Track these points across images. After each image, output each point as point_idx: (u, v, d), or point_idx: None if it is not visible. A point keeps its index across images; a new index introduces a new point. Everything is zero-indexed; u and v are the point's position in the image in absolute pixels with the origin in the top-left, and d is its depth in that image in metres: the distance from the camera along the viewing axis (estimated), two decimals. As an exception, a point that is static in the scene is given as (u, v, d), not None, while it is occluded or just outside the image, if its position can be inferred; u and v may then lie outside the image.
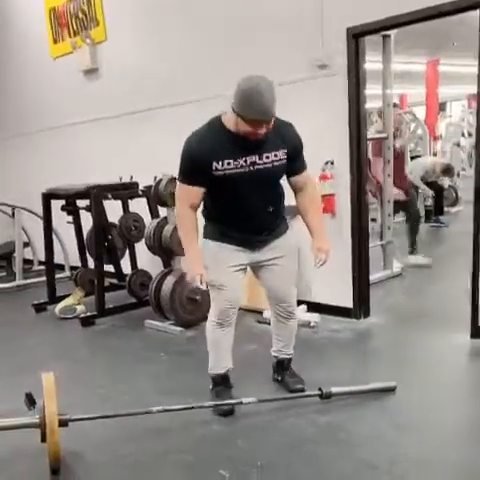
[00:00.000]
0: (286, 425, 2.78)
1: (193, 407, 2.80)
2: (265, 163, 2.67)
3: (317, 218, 2.91)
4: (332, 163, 4.19)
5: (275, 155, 2.68)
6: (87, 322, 4.68)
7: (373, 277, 4.64)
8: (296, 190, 2.88)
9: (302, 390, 3.02)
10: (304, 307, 4.43)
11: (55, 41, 6.38)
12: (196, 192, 2.71)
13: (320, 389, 2.89)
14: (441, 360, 3.57)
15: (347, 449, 2.54)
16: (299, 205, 2.91)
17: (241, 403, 2.83)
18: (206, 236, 2.86)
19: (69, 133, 6.48)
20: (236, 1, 4.59)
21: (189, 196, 2.71)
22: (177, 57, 5.16)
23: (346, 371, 3.39)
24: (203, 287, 2.75)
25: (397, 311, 4.58)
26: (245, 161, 2.63)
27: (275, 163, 2.69)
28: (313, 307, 4.37)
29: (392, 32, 4.94)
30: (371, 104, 4.42)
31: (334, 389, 2.90)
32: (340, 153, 4.13)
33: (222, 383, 3.03)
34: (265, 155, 2.65)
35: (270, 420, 2.83)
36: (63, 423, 2.50)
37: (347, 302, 4.30)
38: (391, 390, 3.01)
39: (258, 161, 2.65)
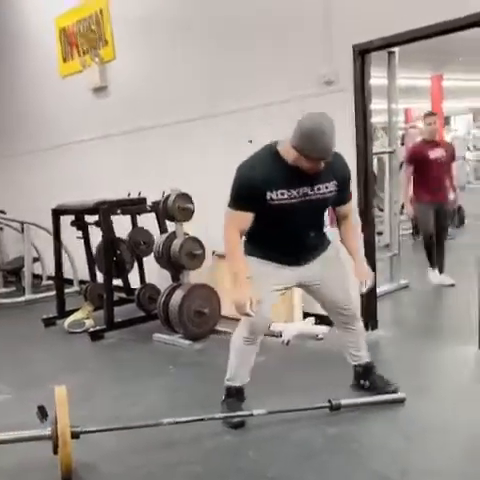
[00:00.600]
0: (297, 436, 2.79)
1: (203, 419, 2.82)
2: (316, 194, 2.73)
3: (357, 246, 3.03)
4: (339, 177, 4.23)
5: (326, 187, 2.75)
6: (96, 336, 4.71)
7: (380, 290, 4.66)
8: (339, 218, 2.98)
9: (396, 391, 3.09)
10: (312, 319, 4.46)
11: (64, 60, 6.49)
12: (246, 217, 2.74)
13: (329, 401, 2.91)
14: (450, 372, 3.59)
15: (358, 460, 2.56)
16: (341, 232, 3.00)
17: (252, 415, 2.85)
18: (247, 252, 2.87)
19: (78, 150, 6.56)
20: (243, 18, 4.67)
21: (239, 221, 2.75)
22: (184, 74, 5.24)
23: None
24: (253, 314, 2.70)
25: (405, 323, 4.61)
26: (298, 192, 2.69)
27: (326, 195, 2.76)
28: (321, 319, 4.38)
29: (397, 48, 5.01)
30: (375, 119, 4.48)
31: (343, 401, 2.92)
32: (347, 167, 4.17)
33: (236, 395, 3.04)
34: (317, 187, 2.72)
35: (281, 431, 2.84)
36: (75, 435, 2.53)
37: (355, 315, 4.31)
38: (400, 402, 3.02)
39: (310, 192, 2.71)
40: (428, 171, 5.24)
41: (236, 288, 2.73)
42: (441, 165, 5.26)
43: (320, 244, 2.95)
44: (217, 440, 2.82)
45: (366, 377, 3.20)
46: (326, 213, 2.99)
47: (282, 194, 2.67)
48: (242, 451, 2.69)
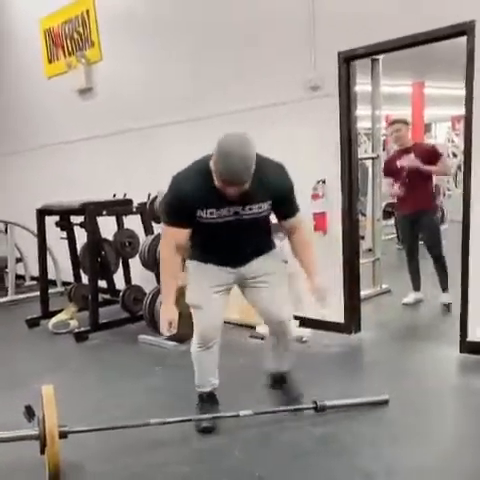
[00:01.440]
0: (283, 437, 2.83)
1: (191, 419, 2.86)
2: (248, 214, 2.65)
3: (311, 260, 2.85)
4: (324, 182, 4.29)
5: (259, 207, 2.66)
6: (81, 337, 4.71)
7: (363, 293, 4.72)
8: (288, 233, 2.86)
9: (299, 399, 3.08)
10: (296, 322, 4.50)
11: (50, 61, 6.48)
12: (181, 233, 2.70)
13: (315, 402, 2.95)
14: (432, 374, 3.65)
15: (344, 460, 2.60)
16: (291, 248, 2.88)
17: (238, 416, 2.87)
18: (188, 257, 2.88)
19: (63, 151, 6.55)
20: (230, 22, 4.72)
21: (174, 238, 2.70)
22: (172, 76, 5.27)
23: (339, 385, 3.45)
24: (169, 333, 2.78)
25: (388, 326, 4.68)
26: (228, 211, 2.62)
27: (259, 214, 2.68)
28: (305, 322, 4.43)
29: (381, 55, 5.10)
30: (358, 124, 4.52)
31: (328, 402, 2.96)
32: (332, 172, 4.24)
33: (208, 400, 3.04)
34: (248, 207, 2.63)
35: (267, 432, 2.87)
36: (63, 435, 2.53)
37: (339, 317, 4.38)
38: (384, 403, 3.07)
39: (241, 212, 2.64)
40: (400, 180, 4.88)
41: (163, 306, 2.81)
42: (412, 172, 4.80)
43: (261, 249, 2.88)
44: (204, 441, 2.84)
45: (279, 385, 3.21)
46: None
47: (211, 213, 2.61)
48: (229, 451, 2.72)
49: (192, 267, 2.88)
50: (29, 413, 2.62)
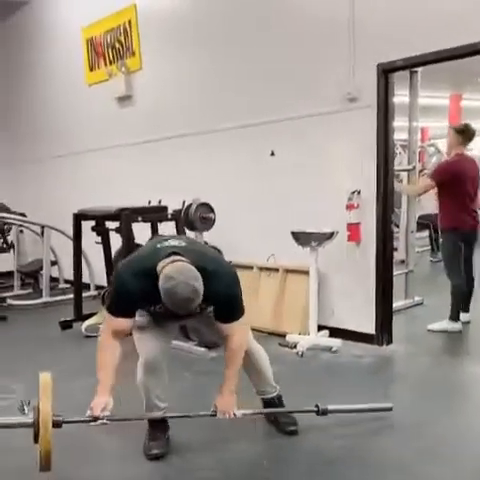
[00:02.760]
0: (309, 446, 2.82)
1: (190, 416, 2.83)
2: (193, 313, 2.54)
3: (231, 375, 2.71)
4: (359, 193, 4.29)
5: (201, 308, 2.58)
6: (112, 340, 4.75)
7: (395, 305, 4.69)
8: (222, 336, 2.70)
9: (295, 432, 2.91)
10: (326, 332, 4.49)
11: (91, 69, 6.62)
12: (126, 323, 2.61)
13: (317, 405, 2.89)
14: (462, 389, 3.60)
15: (370, 474, 2.57)
16: (224, 353, 2.75)
17: (235, 415, 2.73)
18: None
19: (101, 157, 6.67)
20: (269, 33, 4.76)
21: (118, 328, 2.60)
22: (209, 87, 5.34)
23: (367, 396, 3.41)
24: (100, 422, 2.58)
25: (419, 339, 4.62)
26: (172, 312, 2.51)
27: (204, 312, 2.65)
28: (335, 332, 4.42)
29: (420, 68, 5.07)
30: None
31: (330, 406, 2.89)
32: (367, 183, 4.24)
33: (157, 424, 2.91)
34: (191, 316, 2.62)
35: (294, 440, 2.87)
36: (57, 424, 2.44)
37: (370, 328, 4.35)
38: (388, 410, 3.02)
39: (184, 317, 2.65)
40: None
41: (96, 395, 2.62)
42: None
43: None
44: (227, 449, 2.83)
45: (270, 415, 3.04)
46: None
47: (160, 308, 2.56)
48: (254, 459, 2.73)
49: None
50: (24, 401, 2.58)
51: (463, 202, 4.63)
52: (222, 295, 2.56)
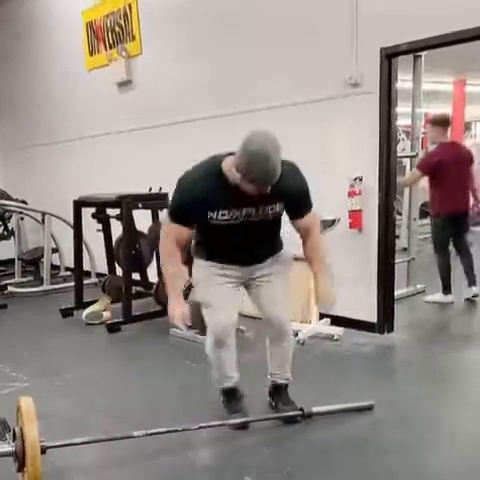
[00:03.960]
0: (310, 436, 2.81)
1: (177, 430, 2.71)
2: (260, 215, 2.62)
3: (320, 265, 2.80)
4: (361, 179, 4.25)
5: (271, 208, 2.63)
6: (113, 328, 4.76)
7: (397, 293, 4.66)
8: (300, 232, 2.78)
9: (297, 421, 2.92)
10: (327, 320, 4.47)
11: (91, 53, 6.55)
12: (184, 232, 2.67)
13: (301, 409, 2.88)
14: (466, 377, 3.60)
15: (373, 461, 2.57)
16: (304, 248, 2.81)
17: (223, 425, 2.81)
18: (195, 255, 2.86)
19: (101, 143, 6.62)
20: (271, 17, 4.68)
21: (177, 235, 2.66)
22: (209, 72, 5.27)
23: (369, 385, 3.42)
24: (183, 328, 2.77)
25: (421, 327, 4.62)
26: (240, 213, 2.59)
27: (271, 215, 2.66)
28: (337, 320, 4.40)
29: (424, 52, 5.01)
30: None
31: (315, 409, 2.89)
32: (369, 170, 4.19)
33: (232, 395, 3.01)
34: (261, 208, 2.61)
35: (296, 430, 2.86)
36: (42, 450, 2.32)
37: (371, 317, 4.33)
38: (368, 409, 3.00)
39: (254, 214, 2.61)
40: None
41: (171, 300, 2.73)
42: None
43: (270, 251, 2.84)
44: (233, 438, 2.83)
45: (275, 397, 3.07)
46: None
47: (223, 215, 2.58)
48: (258, 449, 2.72)
49: (200, 265, 2.84)
50: (4, 428, 2.48)
51: (451, 188, 4.96)
52: (297, 186, 2.63)
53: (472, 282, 5.22)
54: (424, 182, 5.46)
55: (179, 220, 2.64)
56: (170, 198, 2.71)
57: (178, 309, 2.70)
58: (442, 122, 5.16)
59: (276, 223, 2.78)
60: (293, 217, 2.73)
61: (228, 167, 2.50)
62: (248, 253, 2.77)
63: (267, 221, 2.68)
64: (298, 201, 2.68)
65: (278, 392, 3.05)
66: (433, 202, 5.15)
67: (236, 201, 2.55)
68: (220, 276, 2.78)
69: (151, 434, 2.63)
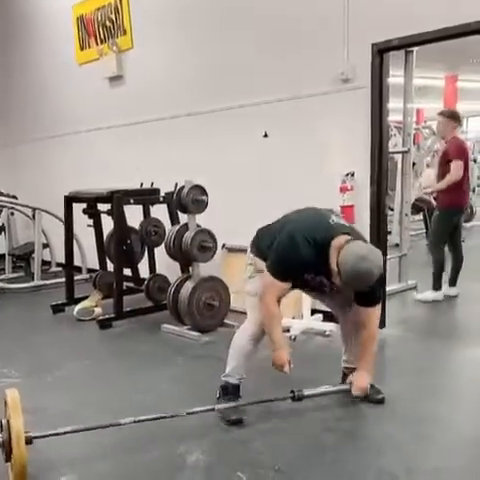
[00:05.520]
0: (305, 431, 2.82)
1: (165, 417, 2.72)
2: (330, 291, 2.87)
3: (368, 358, 2.93)
4: (353, 175, 4.24)
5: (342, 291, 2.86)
6: (105, 324, 4.74)
7: (389, 288, 4.67)
8: (359, 321, 2.91)
9: (382, 401, 3.04)
10: (320, 316, 4.48)
11: (82, 48, 6.50)
12: (286, 288, 2.80)
13: (292, 391, 2.87)
14: (456, 373, 3.61)
15: (365, 456, 2.58)
16: (360, 337, 2.94)
17: (213, 410, 2.82)
18: (257, 252, 3.00)
19: (92, 138, 6.59)
20: (263, 13, 4.67)
21: (280, 290, 2.78)
22: (202, 67, 5.25)
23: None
24: (288, 372, 2.84)
25: (412, 323, 4.64)
26: (320, 282, 2.82)
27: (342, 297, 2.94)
28: (329, 316, 4.39)
29: (415, 47, 5.00)
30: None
31: (306, 391, 2.88)
32: (361, 165, 4.19)
33: (233, 393, 3.02)
34: (334, 289, 2.83)
35: (289, 425, 2.87)
36: (28, 441, 2.39)
37: (363, 313, 4.32)
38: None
39: (328, 287, 2.84)
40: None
41: (276, 351, 2.83)
42: None
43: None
44: (224, 432, 2.84)
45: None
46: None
47: (312, 278, 2.79)
48: (250, 444, 2.71)
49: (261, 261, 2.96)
50: None
51: (464, 182, 4.99)
52: (374, 284, 2.65)
53: (453, 283, 5.24)
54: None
55: (284, 277, 2.75)
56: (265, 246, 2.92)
57: (284, 358, 2.82)
58: (455, 116, 5.12)
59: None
60: (357, 302, 2.87)
61: (333, 254, 2.61)
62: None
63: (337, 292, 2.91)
64: (368, 293, 2.78)
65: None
66: (445, 194, 5.02)
67: (325, 273, 2.72)
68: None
69: (139, 421, 2.63)
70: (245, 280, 3.08)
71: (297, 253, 2.66)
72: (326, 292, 2.91)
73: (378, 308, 2.90)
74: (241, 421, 2.89)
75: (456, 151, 4.94)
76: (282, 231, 2.78)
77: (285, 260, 2.73)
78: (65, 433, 2.54)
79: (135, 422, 2.63)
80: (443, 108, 5.15)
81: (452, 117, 5.08)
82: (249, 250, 3.07)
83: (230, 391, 3.02)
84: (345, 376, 3.17)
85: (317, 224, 2.75)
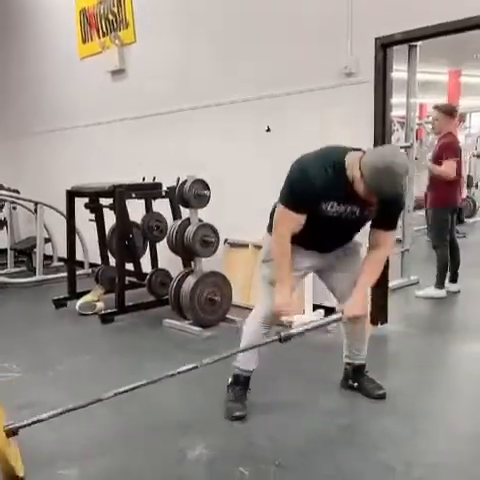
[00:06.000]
0: (306, 426, 2.81)
1: (147, 383, 2.69)
2: (364, 215, 2.68)
3: (367, 282, 2.83)
4: (356, 169, 4.22)
5: (370, 211, 2.68)
6: (106, 319, 4.74)
7: (391, 284, 4.66)
8: (370, 244, 2.81)
9: (383, 396, 3.02)
10: (321, 312, 4.47)
11: (84, 41, 6.49)
12: (300, 219, 2.66)
13: (278, 333, 2.74)
14: (458, 368, 3.61)
15: (365, 450, 2.57)
16: (366, 258, 2.84)
17: (172, 375, 2.73)
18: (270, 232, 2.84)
19: (94, 132, 6.58)
20: (266, 6, 4.65)
21: (293, 222, 2.67)
22: (205, 60, 5.24)
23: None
24: (284, 318, 2.77)
25: (415, 319, 4.63)
26: (346, 209, 2.63)
27: (369, 217, 2.72)
28: (331, 312, 4.38)
29: (419, 42, 4.98)
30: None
31: (293, 330, 2.77)
32: (364, 160, 4.16)
33: (243, 384, 3.00)
34: (368, 209, 2.65)
35: (290, 420, 2.86)
36: (11, 433, 2.39)
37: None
38: (338, 320, 2.87)
39: (358, 213, 2.66)
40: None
41: (278, 288, 2.72)
42: None
43: (347, 242, 2.91)
44: (225, 427, 2.84)
45: (355, 378, 3.15)
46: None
47: (331, 207, 2.61)
48: (251, 438, 2.71)
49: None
50: None
51: (458, 179, 5.01)
52: (398, 204, 2.70)
53: (454, 279, 5.23)
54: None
55: (296, 207, 2.63)
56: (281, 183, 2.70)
57: (284, 300, 2.71)
58: (451, 112, 5.06)
59: (363, 226, 2.82)
60: (376, 226, 2.75)
61: (351, 165, 2.53)
62: (331, 242, 2.84)
63: (361, 222, 2.75)
64: (390, 215, 2.74)
65: (359, 372, 3.14)
66: (442, 192, 5.01)
67: (348, 198, 2.58)
68: (295, 261, 2.77)
69: (119, 393, 2.58)
70: (260, 264, 2.98)
71: (311, 181, 2.55)
72: (353, 221, 2.70)
73: (393, 235, 2.82)
74: (244, 417, 2.88)
75: (446, 151, 4.91)
76: (292, 164, 2.67)
77: (299, 191, 2.62)
78: (47, 419, 2.48)
79: (115, 395, 2.57)
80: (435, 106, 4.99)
81: (447, 112, 5.00)
82: (266, 231, 2.95)
83: (241, 381, 2.99)
84: (347, 372, 3.17)
85: (328, 150, 2.67)
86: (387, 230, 2.76)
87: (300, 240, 2.74)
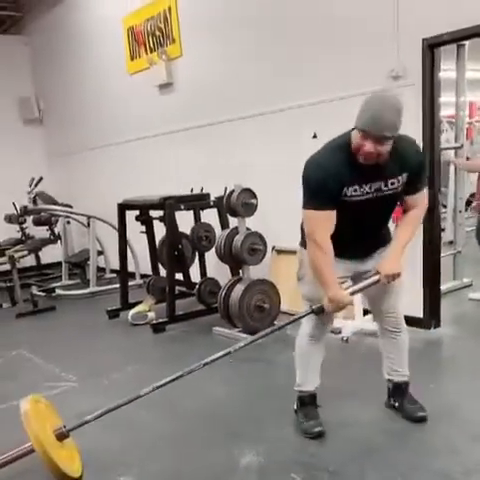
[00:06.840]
0: (357, 433, 2.78)
1: (183, 375, 2.81)
2: (390, 189, 2.55)
3: (405, 240, 2.68)
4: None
5: (398, 180, 2.54)
6: (158, 328, 4.82)
7: (443, 287, 4.56)
8: (406, 207, 2.69)
9: (425, 419, 2.83)
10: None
11: (132, 58, 6.64)
12: (332, 215, 2.51)
13: (310, 306, 2.69)
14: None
15: (421, 458, 2.53)
16: (402, 218, 2.72)
17: (229, 353, 2.81)
18: (305, 246, 2.69)
19: (143, 146, 6.71)
20: (311, 13, 4.64)
21: (326, 222, 2.51)
22: (249, 72, 5.26)
23: (416, 381, 3.30)
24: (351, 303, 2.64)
25: (469, 322, 4.52)
26: (370, 187, 2.51)
27: (399, 189, 2.57)
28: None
29: (467, 41, 4.87)
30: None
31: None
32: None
33: (310, 403, 2.89)
34: (390, 181, 2.53)
35: (340, 428, 2.84)
36: (62, 436, 2.49)
37: (417, 312, 4.25)
38: (377, 282, 2.68)
39: (383, 188, 2.53)
40: None
41: (330, 291, 2.57)
42: None
43: (382, 241, 2.77)
44: (277, 434, 2.83)
45: (396, 397, 2.96)
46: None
47: (355, 190, 2.49)
48: (302, 445, 2.70)
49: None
50: None
51: None
52: (418, 160, 2.60)
53: None
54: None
55: (323, 205, 2.49)
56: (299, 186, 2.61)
57: (338, 292, 2.58)
58: None
59: (395, 205, 2.70)
60: (406, 192, 2.63)
61: (354, 137, 2.47)
62: (363, 243, 2.71)
63: (392, 199, 2.61)
64: (417, 176, 2.61)
65: (400, 391, 2.95)
66: None
67: (364, 174, 2.48)
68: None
69: (158, 387, 2.70)
70: (298, 283, 2.89)
71: (322, 169, 2.48)
72: (384, 201, 2.57)
73: (424, 195, 2.68)
74: (324, 433, 2.76)
75: None
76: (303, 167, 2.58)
77: (315, 185, 2.51)
78: (92, 420, 2.58)
79: (154, 390, 2.69)
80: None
81: None
82: (299, 246, 2.84)
83: (306, 401, 2.90)
84: (388, 390, 3.00)
85: (331, 141, 2.61)
86: (415, 193, 2.63)
87: (337, 245, 2.57)
